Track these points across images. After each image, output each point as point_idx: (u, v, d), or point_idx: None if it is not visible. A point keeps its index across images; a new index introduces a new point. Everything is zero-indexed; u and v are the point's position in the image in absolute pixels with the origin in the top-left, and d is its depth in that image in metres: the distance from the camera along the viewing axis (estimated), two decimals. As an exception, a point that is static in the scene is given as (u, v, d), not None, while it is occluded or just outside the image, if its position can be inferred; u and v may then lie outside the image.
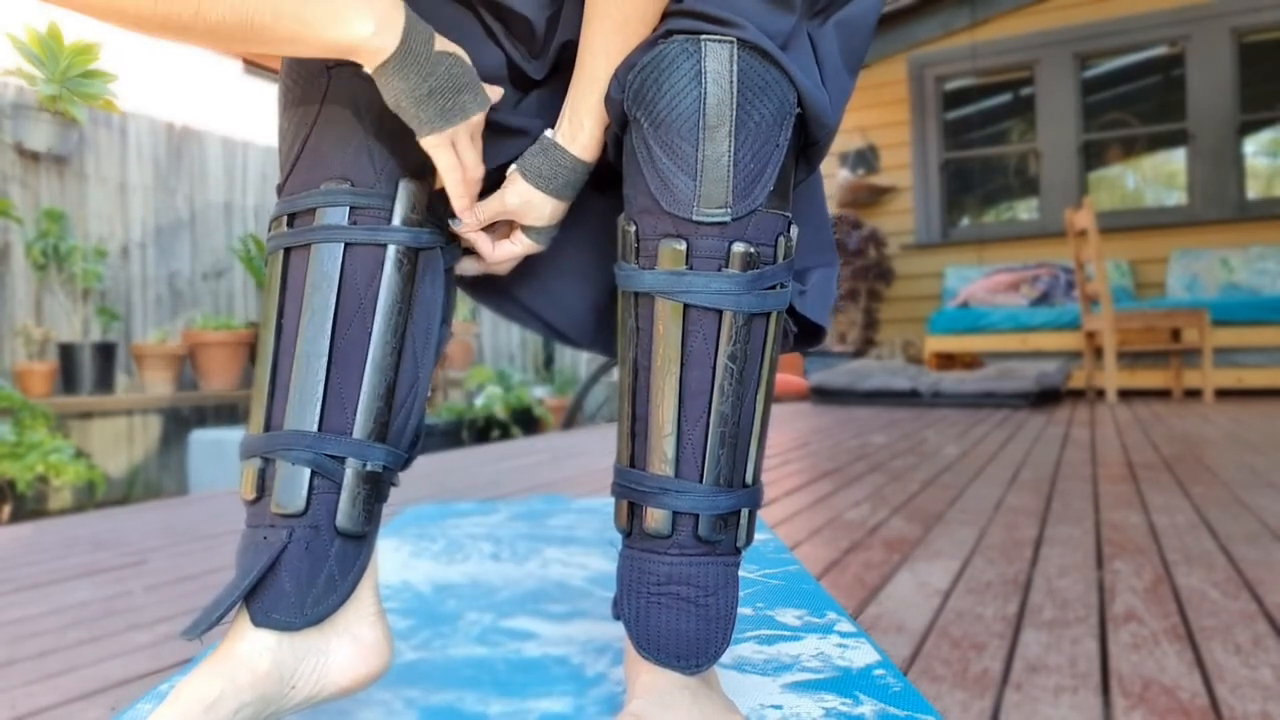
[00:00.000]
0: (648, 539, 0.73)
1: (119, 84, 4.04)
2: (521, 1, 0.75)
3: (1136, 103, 5.96)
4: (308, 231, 0.73)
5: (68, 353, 4.04)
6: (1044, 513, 1.74)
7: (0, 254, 3.96)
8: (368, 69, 0.68)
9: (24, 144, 3.97)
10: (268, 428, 0.73)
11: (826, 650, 0.96)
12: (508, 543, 1.54)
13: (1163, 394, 5.13)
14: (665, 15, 0.72)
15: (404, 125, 0.73)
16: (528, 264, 0.87)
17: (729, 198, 0.69)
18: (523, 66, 0.79)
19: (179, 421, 4.65)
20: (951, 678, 0.90)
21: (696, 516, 0.71)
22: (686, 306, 0.70)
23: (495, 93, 0.75)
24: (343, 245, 0.73)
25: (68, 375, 4.05)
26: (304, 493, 0.71)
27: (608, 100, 0.74)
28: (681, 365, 0.71)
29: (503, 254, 0.81)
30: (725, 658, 0.94)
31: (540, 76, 0.80)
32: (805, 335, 0.87)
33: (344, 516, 0.72)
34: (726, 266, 0.70)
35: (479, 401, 5.52)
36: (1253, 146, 5.60)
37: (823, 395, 5.08)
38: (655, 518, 0.72)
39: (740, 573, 1.23)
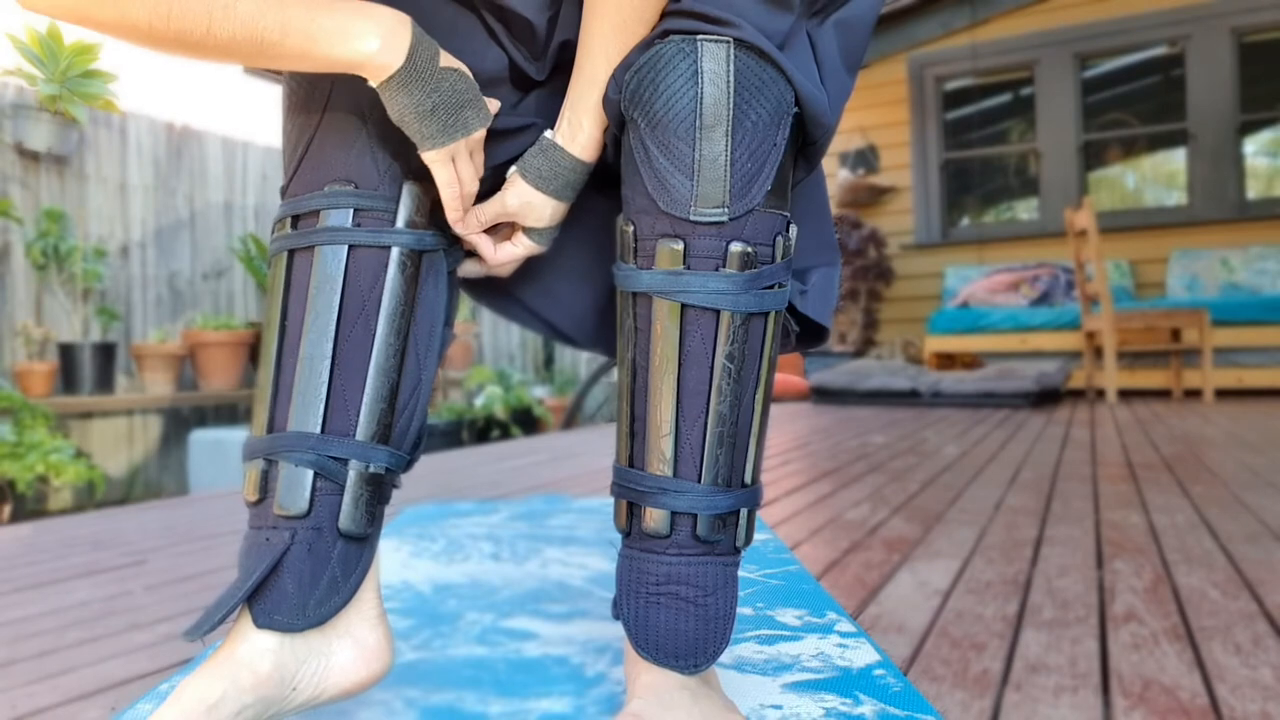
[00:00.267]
0: (646, 539, 0.73)
1: (119, 84, 4.04)
2: (522, 3, 0.75)
3: (1136, 103, 5.96)
4: (311, 233, 0.74)
5: (68, 353, 4.05)
6: (1044, 513, 1.75)
7: (0, 254, 3.97)
8: (373, 84, 0.68)
9: (24, 144, 3.98)
10: (271, 429, 0.73)
11: (826, 650, 0.96)
12: (508, 543, 1.54)
13: (1163, 394, 5.13)
14: (663, 15, 0.72)
15: None
16: (529, 265, 0.87)
17: (726, 197, 0.69)
18: (524, 68, 0.79)
19: (179, 421, 4.65)
20: (951, 678, 0.90)
21: (695, 516, 0.71)
22: (684, 306, 0.70)
23: (494, 105, 0.75)
24: (346, 247, 0.73)
25: (68, 375, 4.05)
26: (307, 494, 0.71)
27: (605, 101, 0.74)
28: (679, 365, 0.71)
29: (504, 256, 0.81)
30: (725, 658, 0.94)
31: (542, 78, 0.81)
32: (808, 335, 0.87)
33: (346, 518, 0.72)
34: (724, 266, 0.70)
35: (479, 401, 5.52)
36: (1253, 146, 5.60)
37: (823, 395, 5.08)
38: (654, 518, 0.72)
39: (740, 573, 1.23)
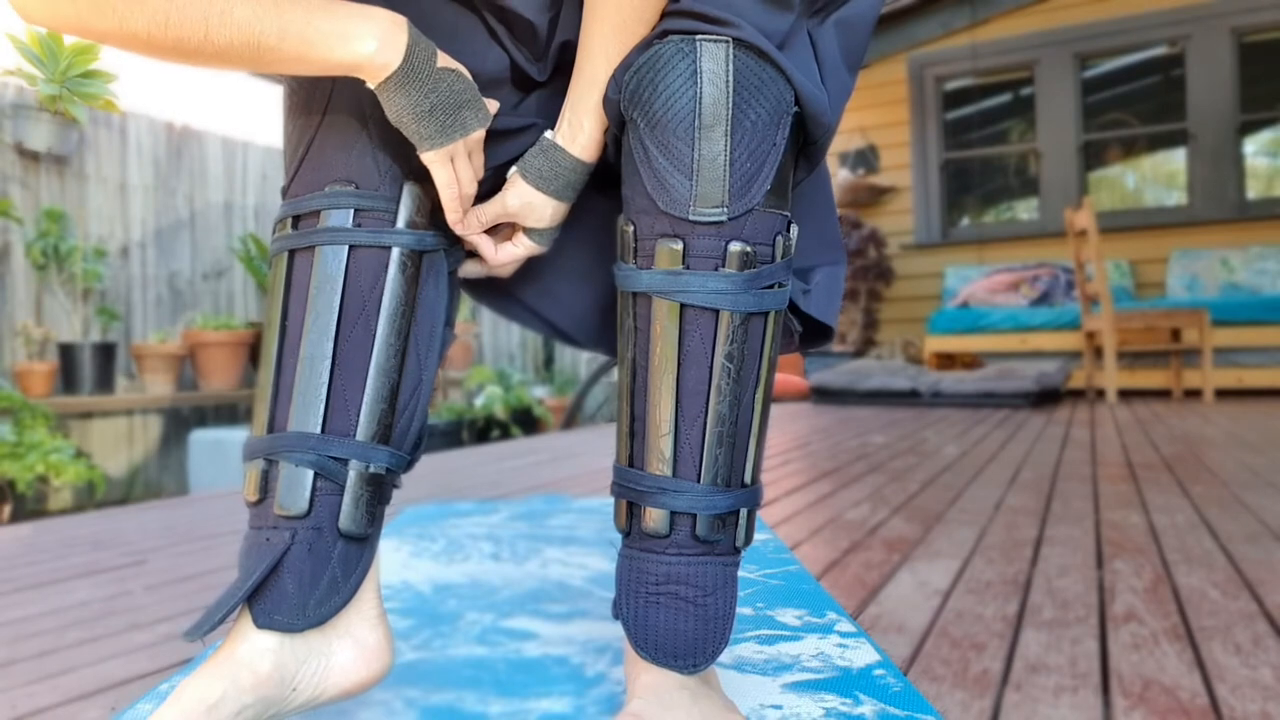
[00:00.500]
0: (646, 539, 0.73)
1: (119, 84, 4.04)
2: (523, 4, 0.75)
3: (1136, 103, 5.96)
4: (312, 234, 0.74)
5: (68, 353, 4.05)
6: (1044, 513, 1.75)
7: (0, 254, 3.97)
8: (371, 85, 0.68)
9: (24, 144, 3.98)
10: (271, 429, 0.73)
11: (826, 650, 0.96)
12: (508, 543, 1.54)
13: (1163, 394, 5.13)
14: (663, 15, 0.72)
15: None
16: (530, 265, 0.87)
17: (725, 197, 0.69)
18: (525, 69, 0.79)
19: (179, 421, 4.65)
20: (951, 678, 0.90)
21: (694, 516, 0.71)
22: (683, 306, 0.70)
23: (493, 106, 0.75)
24: (347, 247, 0.73)
25: (68, 375, 4.05)
26: (307, 494, 0.71)
27: (605, 101, 0.74)
28: (679, 365, 0.71)
29: (505, 256, 0.81)
30: (725, 658, 0.94)
31: (543, 79, 0.81)
32: (812, 334, 0.87)
33: (347, 518, 0.72)
34: (723, 266, 0.70)
35: (479, 401, 5.52)
36: (1253, 146, 5.60)
37: (823, 395, 5.08)
38: (653, 517, 0.72)
39: (740, 573, 1.23)
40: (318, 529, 0.71)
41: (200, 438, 4.44)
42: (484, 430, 5.40)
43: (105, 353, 4.13)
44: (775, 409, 4.73)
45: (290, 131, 0.77)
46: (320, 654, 0.72)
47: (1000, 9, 6.03)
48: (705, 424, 0.71)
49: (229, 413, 4.88)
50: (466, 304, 5.45)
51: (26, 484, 3.43)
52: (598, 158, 0.78)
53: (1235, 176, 5.46)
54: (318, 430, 0.72)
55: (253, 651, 0.68)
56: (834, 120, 0.75)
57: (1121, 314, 4.52)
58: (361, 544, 0.74)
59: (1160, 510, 1.75)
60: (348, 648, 0.73)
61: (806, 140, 0.75)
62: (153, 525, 1.91)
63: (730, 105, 0.68)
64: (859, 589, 1.23)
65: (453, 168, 0.73)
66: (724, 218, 0.69)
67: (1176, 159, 5.83)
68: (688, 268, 0.70)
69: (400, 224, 0.75)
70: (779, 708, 0.81)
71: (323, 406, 0.72)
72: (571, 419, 5.66)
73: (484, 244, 0.80)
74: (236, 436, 4.28)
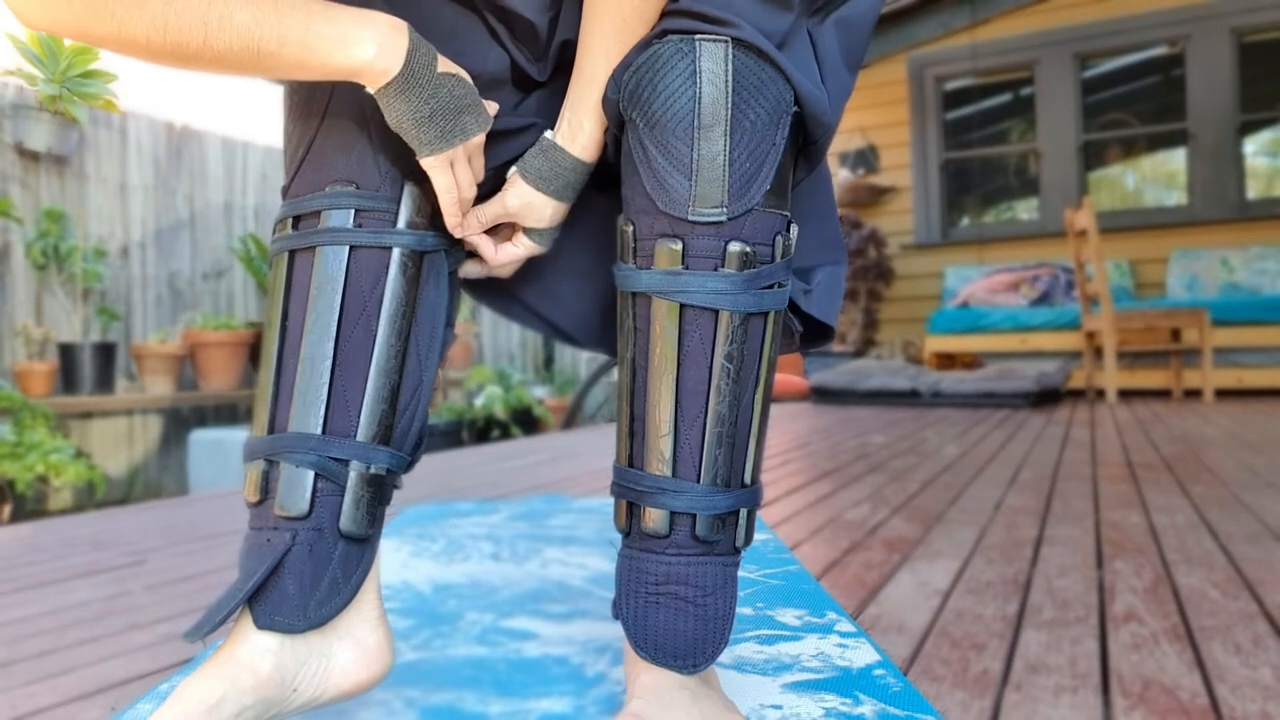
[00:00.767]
0: (646, 539, 0.73)
1: (119, 84, 4.05)
2: (523, 4, 0.75)
3: (1136, 103, 5.96)
4: (313, 234, 0.74)
5: (68, 353, 4.05)
6: (1044, 513, 1.75)
7: (0, 254, 3.97)
8: (371, 90, 0.68)
9: (24, 144, 3.98)
10: (272, 430, 0.73)
11: (826, 650, 0.96)
12: (508, 543, 1.54)
13: (1163, 394, 5.13)
14: (662, 15, 0.72)
15: None
16: (531, 265, 0.87)
17: (725, 197, 0.69)
18: (526, 69, 0.79)
19: (179, 421, 4.66)
20: (951, 678, 0.90)
21: (694, 516, 0.71)
22: (683, 306, 0.70)
23: (492, 109, 0.75)
24: (348, 248, 0.73)
25: (68, 375, 4.05)
26: (308, 495, 0.71)
27: (605, 101, 0.74)
28: (678, 365, 0.71)
29: (505, 256, 0.81)
30: (725, 658, 0.94)
31: (543, 79, 0.81)
32: (813, 334, 0.86)
33: (347, 519, 0.72)
34: (723, 266, 0.70)
35: (479, 401, 5.52)
36: (1253, 146, 5.60)
37: (823, 395, 5.08)
38: (653, 518, 0.72)
39: (740, 573, 1.23)
40: (318, 530, 0.71)
41: (200, 438, 4.44)
42: (484, 430, 5.40)
43: (105, 353, 4.13)
44: (775, 409, 4.73)
45: (291, 132, 0.77)
46: (321, 655, 0.72)
47: (1000, 9, 6.03)
48: (705, 424, 0.71)
49: (229, 413, 4.88)
50: (466, 304, 5.45)
51: (26, 484, 3.43)
52: (597, 158, 0.78)
53: (1235, 176, 5.46)
54: (318, 431, 0.72)
55: (253, 652, 0.68)
56: (834, 120, 0.75)
57: (1121, 314, 4.53)
58: (362, 545, 0.74)
59: (1160, 510, 1.75)
60: (348, 649, 0.73)
61: (806, 140, 0.75)
62: (153, 525, 1.91)
63: (729, 105, 0.68)
64: (859, 589, 1.23)
65: (452, 172, 0.73)
66: (723, 218, 0.69)
67: (1176, 159, 5.83)
68: (687, 268, 0.70)
69: (401, 224, 0.75)
70: (779, 708, 0.81)
71: (323, 407, 0.72)
72: (571, 419, 5.67)
73: (484, 244, 0.80)
74: (236, 437, 4.28)
